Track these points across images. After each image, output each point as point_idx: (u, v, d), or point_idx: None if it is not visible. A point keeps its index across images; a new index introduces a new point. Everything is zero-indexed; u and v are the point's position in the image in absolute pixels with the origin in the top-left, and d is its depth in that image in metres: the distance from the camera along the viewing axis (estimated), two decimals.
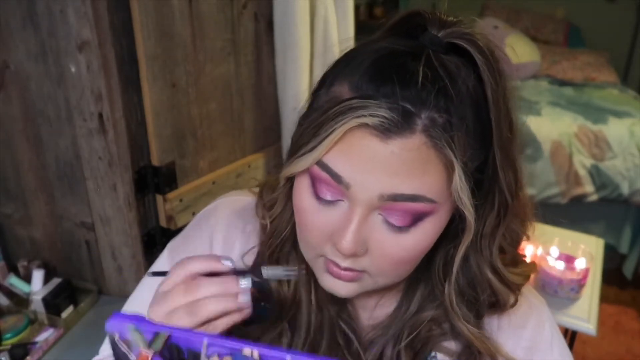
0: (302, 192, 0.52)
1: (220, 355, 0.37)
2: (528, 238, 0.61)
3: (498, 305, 0.60)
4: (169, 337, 0.38)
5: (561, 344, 0.65)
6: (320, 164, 0.49)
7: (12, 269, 1.34)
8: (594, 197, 2.61)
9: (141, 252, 1.25)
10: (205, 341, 0.37)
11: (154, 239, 1.28)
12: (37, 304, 1.23)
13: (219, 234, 0.66)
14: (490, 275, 0.57)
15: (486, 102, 0.49)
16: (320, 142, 0.48)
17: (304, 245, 0.56)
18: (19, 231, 1.39)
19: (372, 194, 0.48)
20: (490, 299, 0.59)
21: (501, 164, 0.51)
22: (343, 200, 0.50)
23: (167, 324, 0.39)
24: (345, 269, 0.52)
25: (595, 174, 2.58)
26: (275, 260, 0.62)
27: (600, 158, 2.58)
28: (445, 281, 0.57)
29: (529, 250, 1.57)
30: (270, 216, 0.62)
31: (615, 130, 2.60)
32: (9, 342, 1.18)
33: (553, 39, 3.64)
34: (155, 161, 1.20)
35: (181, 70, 1.19)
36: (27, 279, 1.29)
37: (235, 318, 0.51)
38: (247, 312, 0.52)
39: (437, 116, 0.46)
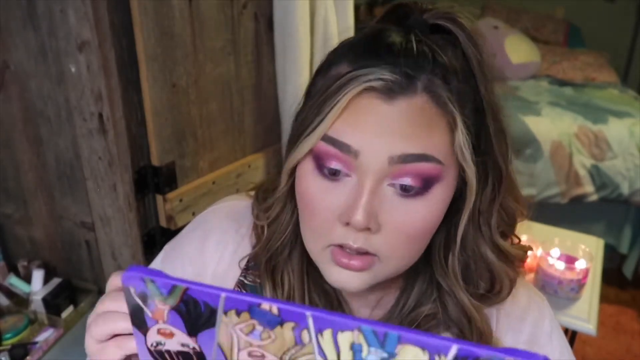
0: (307, 176, 0.52)
1: (238, 311, 0.36)
2: (524, 217, 0.61)
3: (493, 294, 0.59)
4: (186, 290, 0.37)
5: (561, 339, 0.65)
6: (325, 138, 0.49)
7: (12, 269, 1.34)
8: (594, 197, 2.61)
9: (141, 252, 1.25)
10: (223, 296, 0.36)
11: (154, 239, 1.28)
12: (37, 304, 1.23)
13: (212, 238, 0.66)
14: (489, 253, 0.57)
15: (473, 74, 0.52)
16: (325, 116, 0.48)
17: (310, 235, 0.54)
18: (19, 231, 1.39)
19: (382, 158, 0.48)
20: (485, 286, 0.59)
21: (494, 132, 0.53)
22: (350, 176, 0.50)
23: (185, 279, 0.38)
24: (357, 252, 0.51)
25: (595, 174, 2.58)
26: (272, 266, 0.62)
27: (601, 158, 2.58)
28: (450, 254, 0.57)
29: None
30: (267, 218, 0.61)
31: (615, 130, 2.60)
32: (9, 342, 1.18)
33: (553, 39, 3.64)
34: (155, 161, 1.20)
35: (181, 70, 1.19)
36: (27, 279, 1.29)
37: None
38: None
39: (435, 78, 0.49)
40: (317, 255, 0.54)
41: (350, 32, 1.49)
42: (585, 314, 1.45)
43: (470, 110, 0.51)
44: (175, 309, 0.38)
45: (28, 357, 1.15)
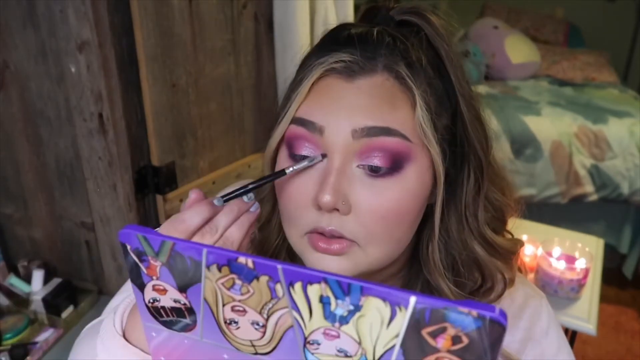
0: (282, 163, 0.54)
1: (219, 265, 0.39)
2: (515, 212, 0.61)
3: (484, 290, 0.59)
4: (173, 246, 0.40)
5: (559, 335, 0.64)
6: (294, 120, 0.52)
7: (12, 269, 1.34)
8: (594, 197, 2.61)
9: None
10: (205, 250, 0.39)
11: None
12: (37, 304, 1.23)
13: None
14: (477, 247, 0.56)
15: (442, 62, 0.53)
16: (292, 101, 0.52)
17: (288, 224, 0.55)
18: (19, 231, 1.39)
19: (346, 132, 0.49)
20: (475, 281, 0.58)
21: (469, 119, 0.53)
22: (322, 161, 0.51)
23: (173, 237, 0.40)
24: (332, 237, 0.51)
25: (595, 174, 2.58)
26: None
27: (600, 158, 2.58)
28: (430, 243, 0.57)
29: (529, 250, 1.57)
30: (258, 222, 0.61)
31: (615, 130, 2.60)
32: (9, 342, 1.18)
33: (553, 39, 3.64)
34: (155, 161, 1.20)
35: (181, 70, 1.19)
36: (27, 279, 1.29)
37: (246, 222, 0.50)
38: (256, 208, 0.51)
39: (396, 58, 0.51)
40: (297, 245, 0.55)
41: None
42: (585, 314, 1.45)
43: (438, 96, 0.52)
44: (166, 265, 0.41)
45: (28, 357, 1.15)
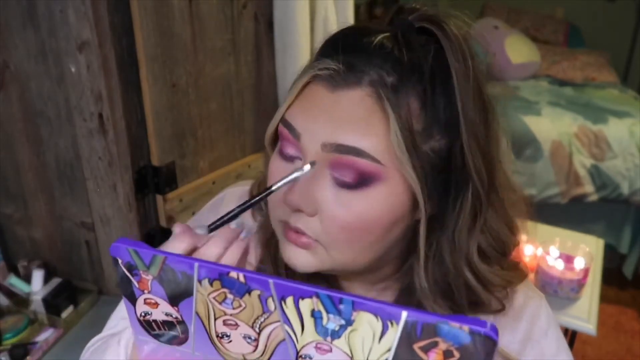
0: (274, 156, 0.55)
1: (210, 280, 0.39)
2: (517, 244, 0.60)
3: (480, 305, 0.58)
4: (165, 260, 0.40)
5: (558, 336, 0.64)
6: (282, 120, 0.53)
7: (12, 269, 1.34)
8: (594, 197, 2.61)
9: None
10: (197, 264, 0.39)
11: (154, 239, 1.28)
12: (37, 304, 1.23)
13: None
14: (467, 273, 0.56)
15: (451, 85, 0.50)
16: (285, 101, 0.52)
17: (269, 211, 0.57)
18: (19, 231, 1.39)
19: (317, 143, 0.50)
20: (471, 297, 0.58)
21: (470, 148, 0.51)
22: (300, 159, 0.52)
23: (165, 251, 0.41)
24: (297, 232, 0.52)
25: (595, 174, 2.58)
26: (274, 246, 0.62)
27: (600, 158, 2.58)
28: (414, 265, 0.56)
29: (529, 250, 1.57)
30: (262, 208, 0.63)
31: (615, 130, 2.60)
32: (9, 342, 1.18)
33: (553, 39, 3.64)
34: (155, 161, 1.20)
35: (181, 70, 1.19)
36: (27, 279, 1.29)
37: (236, 251, 0.51)
38: (247, 240, 0.52)
39: (385, 74, 0.49)
40: (275, 229, 0.57)
41: None
42: (585, 314, 1.45)
43: (433, 118, 0.49)
44: (157, 278, 0.41)
45: (28, 357, 1.15)
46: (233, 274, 0.38)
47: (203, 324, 0.42)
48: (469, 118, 0.50)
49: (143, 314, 0.44)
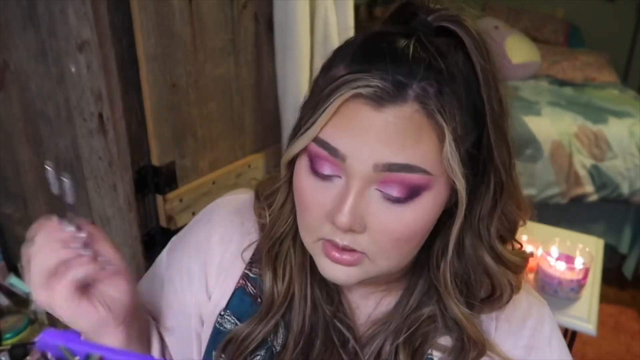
0: (302, 172, 0.53)
1: None
2: (524, 223, 0.61)
3: (494, 298, 0.59)
4: (100, 359, 0.37)
5: (561, 344, 0.64)
6: (317, 140, 0.50)
7: (12, 269, 1.34)
8: (594, 197, 2.61)
9: (141, 252, 1.25)
10: None
11: (154, 239, 1.28)
12: (37, 304, 1.23)
13: (217, 233, 0.66)
14: (487, 259, 0.57)
15: (477, 80, 0.51)
16: (317, 119, 0.50)
17: (303, 229, 0.56)
18: (19, 231, 1.39)
19: (367, 165, 0.49)
20: (486, 290, 0.59)
21: (495, 140, 0.52)
22: (340, 177, 0.51)
23: (99, 344, 0.38)
24: (344, 249, 0.52)
25: (595, 174, 2.58)
26: (274, 255, 0.62)
27: (600, 158, 2.58)
28: (442, 261, 0.57)
29: (528, 251, 1.57)
30: (269, 206, 0.62)
31: (615, 130, 2.60)
32: (9, 342, 1.19)
33: (553, 39, 3.64)
34: (155, 161, 1.20)
35: (181, 70, 1.19)
36: None
37: (79, 269, 0.51)
38: (87, 261, 0.51)
39: (428, 86, 0.48)
40: (310, 247, 0.56)
41: (350, 32, 1.50)
42: (585, 314, 1.45)
43: (468, 118, 0.50)
44: None
45: (28, 357, 1.15)
46: None
47: None
48: (494, 111, 0.51)
49: None
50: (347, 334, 0.62)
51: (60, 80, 1.14)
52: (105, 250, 0.54)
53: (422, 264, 0.61)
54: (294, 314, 0.62)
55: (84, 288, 0.52)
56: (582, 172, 2.58)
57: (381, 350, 0.62)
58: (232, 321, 0.64)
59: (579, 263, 1.49)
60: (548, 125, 2.62)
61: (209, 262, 0.66)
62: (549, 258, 1.50)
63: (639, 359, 2.29)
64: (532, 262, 1.55)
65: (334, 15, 1.43)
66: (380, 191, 0.50)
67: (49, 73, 1.14)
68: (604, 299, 1.60)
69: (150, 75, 1.12)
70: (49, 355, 0.39)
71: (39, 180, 1.29)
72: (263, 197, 0.64)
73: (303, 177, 0.53)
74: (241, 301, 0.64)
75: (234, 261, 0.65)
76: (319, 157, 0.51)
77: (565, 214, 2.61)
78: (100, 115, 1.11)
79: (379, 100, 0.48)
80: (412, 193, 0.50)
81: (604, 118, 2.66)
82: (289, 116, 1.43)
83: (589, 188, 2.60)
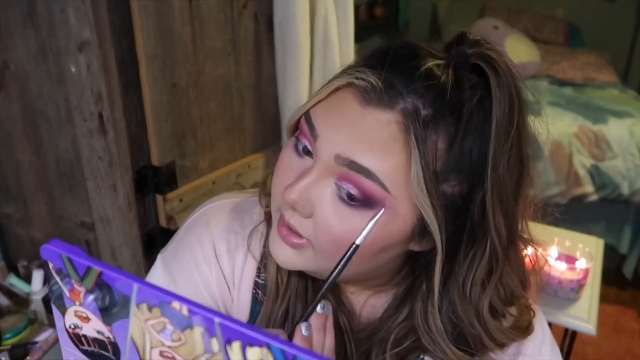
0: (289, 143, 0.55)
1: (149, 305, 0.36)
2: (526, 300, 0.60)
3: (486, 348, 0.58)
4: (100, 274, 0.36)
5: (552, 349, 0.64)
6: (306, 114, 0.52)
7: (12, 269, 1.34)
8: (594, 197, 2.61)
9: (141, 252, 1.25)
10: (136, 286, 0.35)
11: (154, 239, 1.28)
12: (37, 304, 1.23)
13: (220, 240, 0.63)
14: (476, 324, 0.55)
15: (488, 135, 0.48)
16: (315, 96, 0.51)
17: (272, 194, 0.56)
18: (19, 231, 1.39)
19: (331, 153, 0.49)
20: (476, 344, 0.57)
21: (491, 203, 0.49)
22: (311, 158, 0.51)
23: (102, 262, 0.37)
24: (290, 230, 0.52)
25: (595, 174, 2.58)
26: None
27: (600, 158, 2.58)
28: (428, 308, 0.56)
29: (529, 250, 1.57)
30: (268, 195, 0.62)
31: (615, 130, 2.59)
32: (9, 342, 1.19)
33: (553, 39, 3.64)
34: (155, 161, 1.20)
35: (181, 70, 1.19)
36: (27, 279, 1.29)
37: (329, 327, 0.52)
38: None
39: (422, 107, 0.47)
40: (273, 216, 0.56)
41: (350, 32, 1.50)
42: (585, 314, 1.45)
43: (459, 164, 0.48)
44: (91, 292, 0.38)
45: (28, 357, 1.15)
46: (175, 305, 0.35)
47: (137, 350, 0.38)
48: (498, 174, 0.48)
49: (72, 326, 0.41)
50: (347, 329, 0.62)
51: (60, 80, 1.14)
52: None
53: (411, 296, 0.59)
54: (297, 304, 0.61)
55: None
56: (582, 172, 2.58)
57: (368, 358, 0.62)
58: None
59: (579, 263, 1.49)
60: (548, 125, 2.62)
61: (224, 273, 0.63)
62: (549, 258, 1.50)
63: (639, 359, 2.29)
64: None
65: (334, 15, 1.43)
66: (337, 186, 0.49)
67: (49, 73, 1.14)
68: (604, 299, 1.60)
69: (150, 75, 1.12)
70: (51, 265, 0.38)
71: (39, 180, 1.29)
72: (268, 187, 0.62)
73: (287, 147, 0.55)
74: (253, 310, 0.64)
75: (244, 268, 0.63)
76: (302, 131, 0.52)
77: (565, 214, 2.61)
78: (100, 115, 1.11)
79: (367, 96, 0.47)
80: (365, 201, 0.48)
81: (604, 118, 2.66)
82: (289, 116, 1.43)
83: (588, 188, 2.60)
